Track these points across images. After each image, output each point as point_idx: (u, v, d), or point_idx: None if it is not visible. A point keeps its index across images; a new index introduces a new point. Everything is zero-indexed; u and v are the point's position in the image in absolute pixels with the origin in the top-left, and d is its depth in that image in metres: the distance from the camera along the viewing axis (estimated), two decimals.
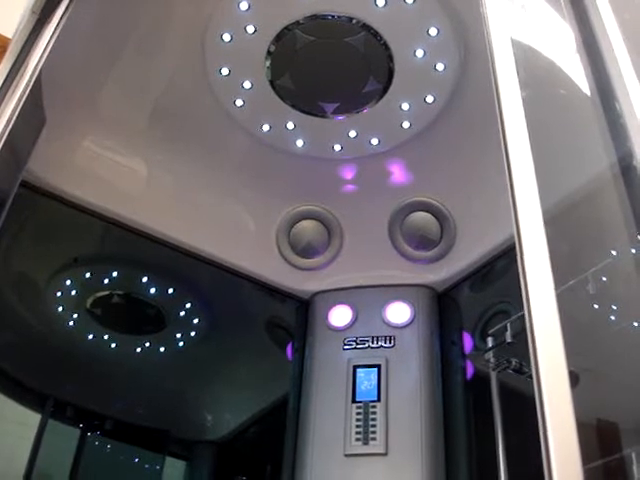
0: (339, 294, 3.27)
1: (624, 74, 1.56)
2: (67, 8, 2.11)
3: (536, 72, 1.74)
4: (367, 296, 3.22)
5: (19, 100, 1.89)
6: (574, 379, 1.11)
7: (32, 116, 2.43)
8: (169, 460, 3.74)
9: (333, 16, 2.68)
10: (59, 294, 3.24)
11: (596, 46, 1.69)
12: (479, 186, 3.02)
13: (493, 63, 1.52)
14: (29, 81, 1.93)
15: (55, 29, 2.07)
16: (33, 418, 3.24)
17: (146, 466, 3.76)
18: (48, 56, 2.03)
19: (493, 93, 1.49)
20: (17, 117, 1.88)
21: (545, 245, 1.22)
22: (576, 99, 1.76)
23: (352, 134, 3.05)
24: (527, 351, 1.13)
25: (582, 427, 1.04)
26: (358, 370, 3.01)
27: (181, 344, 3.51)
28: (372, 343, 3.08)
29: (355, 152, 3.15)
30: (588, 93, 1.70)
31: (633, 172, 1.45)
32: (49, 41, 2.02)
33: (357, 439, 2.84)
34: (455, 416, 2.93)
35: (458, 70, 2.80)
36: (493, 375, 2.75)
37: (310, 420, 2.99)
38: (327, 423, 2.94)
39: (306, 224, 3.32)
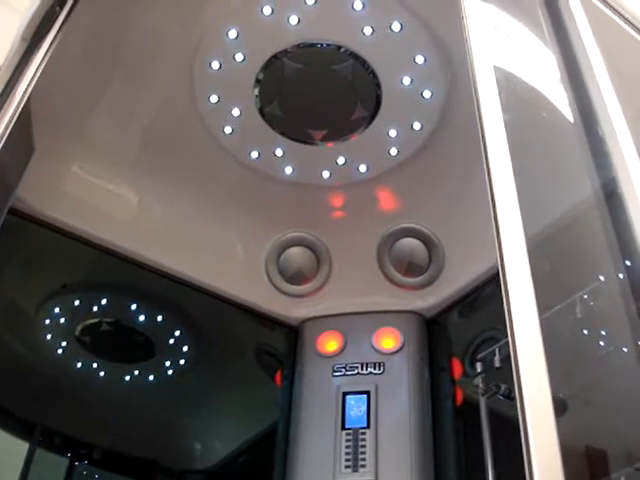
0: (328, 321, 3.26)
1: (606, 100, 1.58)
2: (57, 35, 2.12)
3: (520, 99, 1.75)
4: (356, 323, 3.21)
5: (6, 127, 1.89)
6: (561, 406, 1.12)
7: (21, 143, 2.44)
8: None
9: (321, 44, 2.71)
10: (48, 322, 3.22)
11: (579, 73, 1.71)
12: (467, 212, 3.03)
13: (476, 92, 1.54)
14: (17, 108, 1.94)
15: (44, 56, 2.08)
16: (20, 447, 3.20)
17: None
18: (37, 83, 2.04)
19: (477, 121, 1.50)
20: (5, 144, 1.88)
21: (528, 270, 1.23)
22: (560, 126, 1.78)
23: (340, 161, 3.07)
24: None
25: (567, 453, 1.03)
26: (347, 397, 2.99)
27: (170, 372, 3.49)
28: (361, 369, 3.06)
29: (343, 179, 3.16)
30: (572, 120, 1.72)
31: (616, 198, 1.47)
32: (38, 68, 2.03)
33: (347, 466, 2.81)
34: (445, 442, 2.92)
35: (445, 97, 2.83)
36: (482, 400, 2.74)
37: (299, 447, 2.96)
38: (316, 450, 2.91)
39: (295, 251, 3.32)
